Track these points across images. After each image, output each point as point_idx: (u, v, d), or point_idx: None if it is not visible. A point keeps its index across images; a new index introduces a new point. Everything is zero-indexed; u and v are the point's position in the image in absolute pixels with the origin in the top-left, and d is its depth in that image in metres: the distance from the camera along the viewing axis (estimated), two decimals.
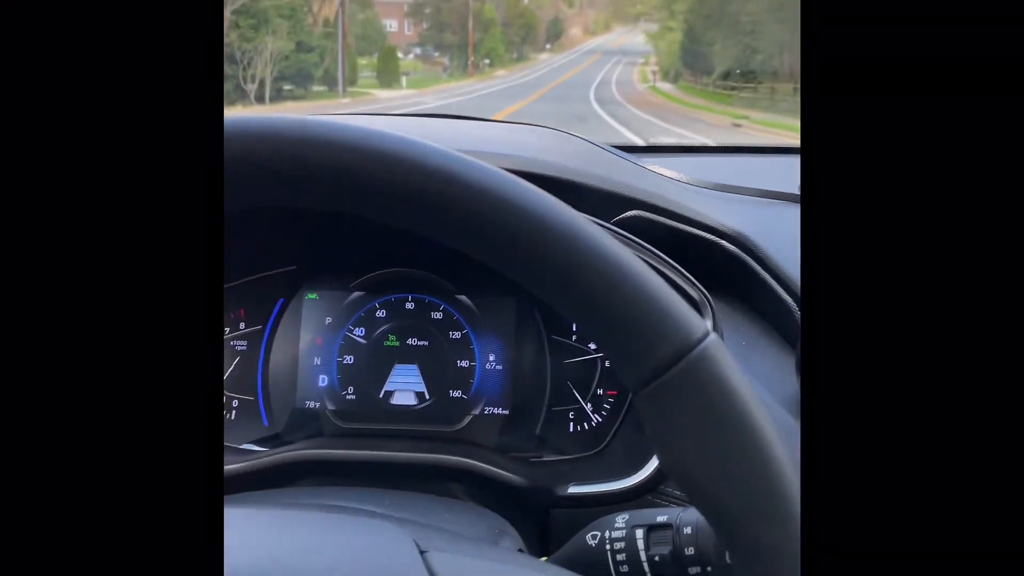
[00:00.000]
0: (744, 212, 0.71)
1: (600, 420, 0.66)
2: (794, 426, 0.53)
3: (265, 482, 0.57)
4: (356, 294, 0.68)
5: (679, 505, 0.48)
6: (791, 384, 0.57)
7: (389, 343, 0.67)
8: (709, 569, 0.42)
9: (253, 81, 16.07)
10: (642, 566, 0.43)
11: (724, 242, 0.67)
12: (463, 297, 0.67)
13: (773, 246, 0.66)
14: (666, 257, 0.59)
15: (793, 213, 0.71)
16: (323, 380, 0.67)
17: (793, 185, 0.74)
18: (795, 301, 0.61)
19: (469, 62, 33.67)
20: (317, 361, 0.67)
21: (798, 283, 0.60)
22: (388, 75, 24.87)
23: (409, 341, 0.67)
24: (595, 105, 18.19)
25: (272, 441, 0.67)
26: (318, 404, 0.67)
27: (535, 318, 0.68)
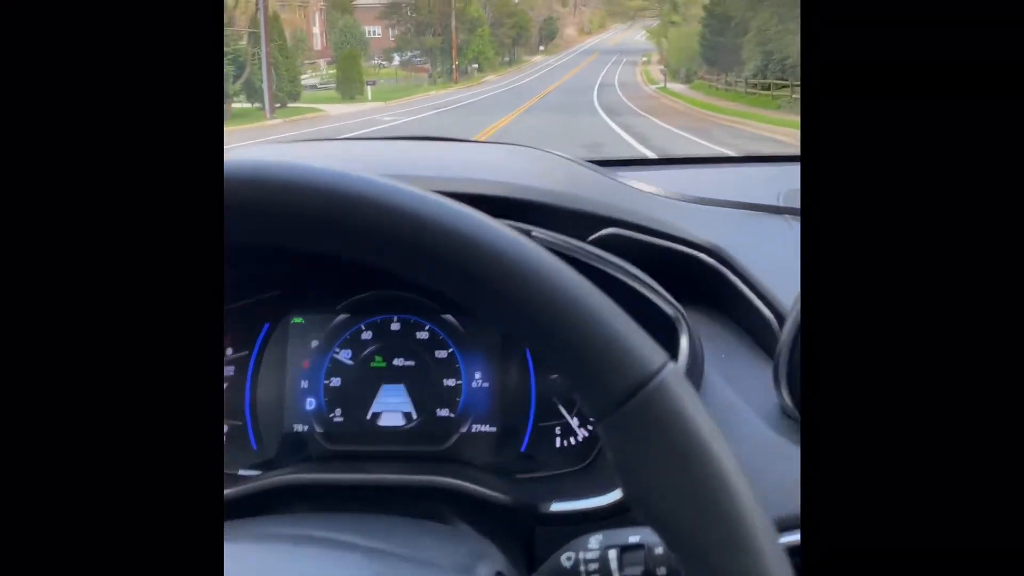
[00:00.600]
0: (722, 224, 0.71)
1: (586, 434, 0.66)
2: (774, 438, 0.53)
3: (256, 508, 0.55)
4: (341, 316, 0.69)
5: None
6: (770, 396, 0.56)
7: (376, 364, 0.68)
8: None
9: None
10: None
11: (702, 255, 0.67)
12: (448, 316, 0.68)
13: (750, 258, 0.66)
14: (641, 275, 0.60)
15: (771, 224, 0.72)
16: (311, 403, 0.68)
17: (772, 195, 0.76)
18: (772, 313, 0.62)
19: (453, 67, 30.02)
20: (304, 384, 0.68)
21: (775, 295, 0.61)
22: (349, 85, 21.15)
23: (395, 361, 0.67)
24: (604, 116, 14.67)
25: (264, 466, 0.66)
26: (307, 427, 0.67)
27: None
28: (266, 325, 0.69)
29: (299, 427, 0.67)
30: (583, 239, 0.63)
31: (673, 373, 0.29)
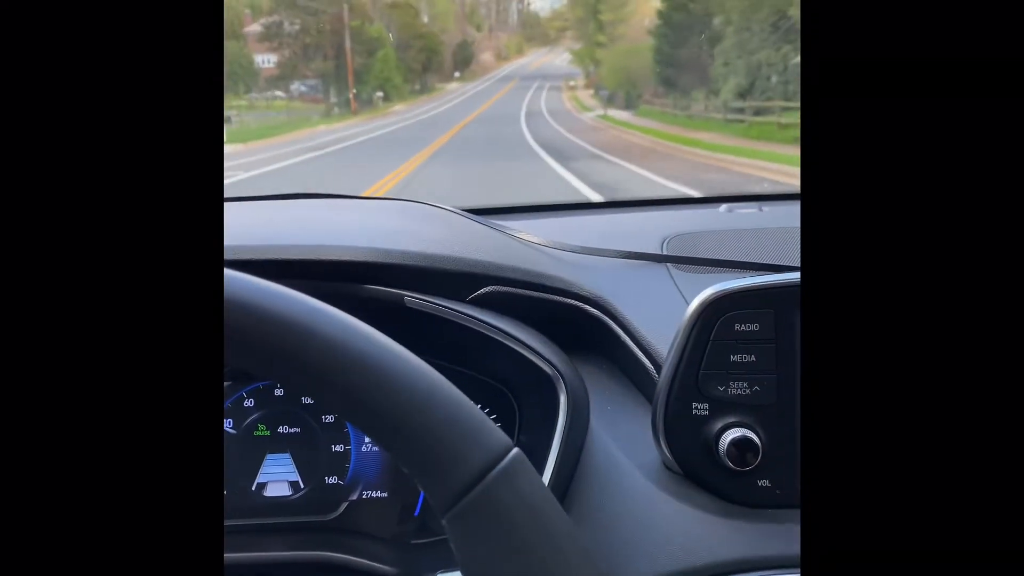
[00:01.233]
0: (606, 274, 0.71)
1: None
2: (656, 493, 0.53)
3: None
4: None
5: None
6: (651, 447, 0.55)
7: (259, 432, 0.65)
8: None
9: None
10: None
11: (586, 306, 0.67)
12: None
13: (631, 308, 0.66)
14: (520, 334, 0.58)
15: (653, 273, 0.72)
16: None
17: (655, 243, 0.77)
18: (652, 363, 0.61)
19: (351, 95, 25.04)
20: None
21: (655, 345, 0.61)
22: None
23: (280, 429, 0.65)
24: (547, 158, 10.16)
25: None
26: None
27: None
28: None
29: None
30: (462, 298, 0.62)
31: (513, 461, 0.29)
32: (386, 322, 0.36)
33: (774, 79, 12.10)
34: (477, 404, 0.31)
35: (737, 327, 0.51)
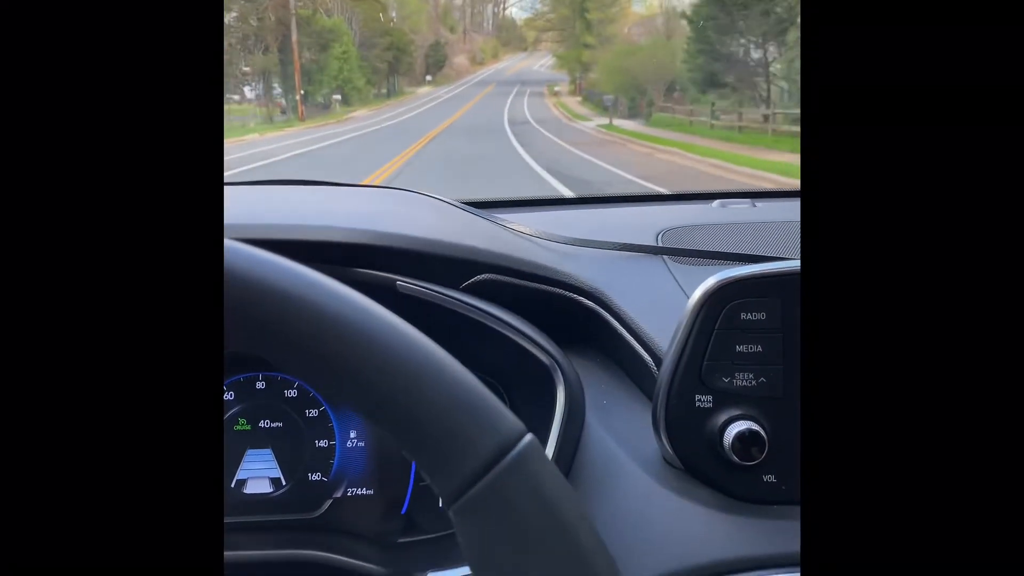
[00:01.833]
0: (600, 265, 0.70)
1: None
2: (656, 488, 0.52)
3: None
4: None
5: None
6: (651, 442, 0.55)
7: (240, 427, 0.63)
8: None
9: None
10: None
11: (580, 297, 0.66)
12: None
13: (628, 299, 0.65)
14: (516, 323, 0.57)
15: (649, 265, 0.71)
16: None
17: (650, 236, 0.77)
18: (649, 355, 0.60)
19: (298, 97, 20.82)
20: None
21: (652, 337, 0.60)
22: None
23: (261, 424, 0.63)
24: (564, 191, 6.42)
25: None
26: None
27: None
28: None
29: None
30: (456, 286, 0.60)
31: (527, 447, 0.27)
32: None
33: None
34: None
35: (743, 316, 0.50)
